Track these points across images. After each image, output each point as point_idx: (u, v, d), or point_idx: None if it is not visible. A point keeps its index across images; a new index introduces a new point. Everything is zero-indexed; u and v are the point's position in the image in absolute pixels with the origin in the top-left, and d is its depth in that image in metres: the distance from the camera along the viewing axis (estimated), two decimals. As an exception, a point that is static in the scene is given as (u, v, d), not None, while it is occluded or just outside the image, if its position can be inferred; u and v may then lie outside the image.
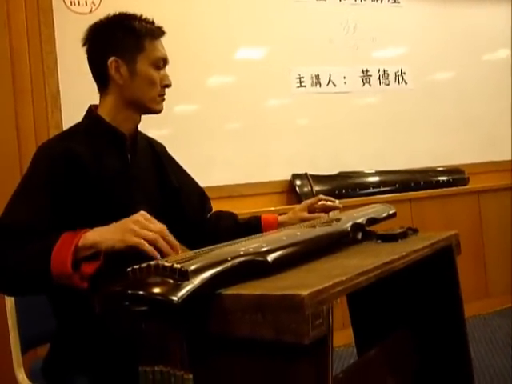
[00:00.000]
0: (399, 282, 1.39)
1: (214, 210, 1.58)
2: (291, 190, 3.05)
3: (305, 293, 0.72)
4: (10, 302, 1.43)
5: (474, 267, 3.20)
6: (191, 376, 0.76)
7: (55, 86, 2.52)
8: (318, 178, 3.05)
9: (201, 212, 1.52)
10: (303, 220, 1.44)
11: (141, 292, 0.73)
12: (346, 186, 3.10)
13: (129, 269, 0.81)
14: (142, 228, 1.01)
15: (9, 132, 2.34)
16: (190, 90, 2.82)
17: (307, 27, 3.18)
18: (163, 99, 1.33)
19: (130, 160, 1.31)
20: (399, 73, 3.43)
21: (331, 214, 1.56)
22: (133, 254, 0.98)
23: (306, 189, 2.98)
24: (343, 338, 2.35)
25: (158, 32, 1.32)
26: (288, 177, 3.07)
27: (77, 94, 2.47)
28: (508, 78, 3.81)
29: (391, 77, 3.41)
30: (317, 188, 2.96)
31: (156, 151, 1.45)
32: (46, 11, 2.54)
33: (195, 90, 2.88)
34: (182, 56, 2.66)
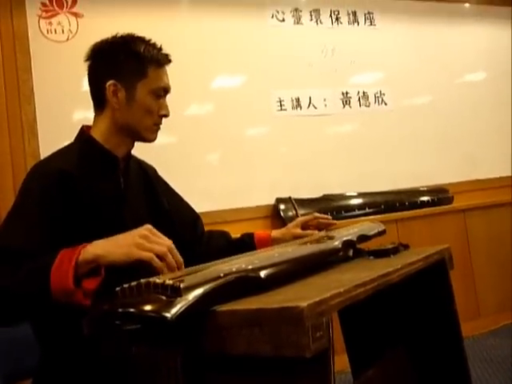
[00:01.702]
0: (393, 298, 1.39)
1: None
2: (275, 215, 3.04)
3: (304, 304, 0.71)
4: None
5: (464, 287, 3.20)
6: (187, 398, 0.73)
7: (32, 114, 2.50)
8: (303, 202, 3.06)
9: (193, 233, 1.50)
10: (296, 237, 1.43)
11: (132, 310, 0.70)
12: (330, 208, 3.10)
13: (117, 288, 0.78)
14: (149, 242, 0.99)
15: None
16: (170, 120, 2.81)
17: (286, 51, 3.23)
18: (158, 128, 1.32)
19: (123, 183, 1.29)
20: (378, 94, 3.49)
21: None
22: (136, 268, 0.95)
23: (290, 213, 2.98)
24: (336, 363, 2.33)
25: (164, 60, 1.30)
26: (272, 201, 3.07)
27: (54, 121, 2.46)
28: (485, 98, 3.90)
29: (371, 98, 3.46)
30: (302, 212, 2.95)
31: (147, 174, 1.44)
32: (22, 39, 2.54)
33: (175, 119, 2.87)
34: None
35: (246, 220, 2.93)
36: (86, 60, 1.29)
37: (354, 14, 3.48)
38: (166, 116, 1.31)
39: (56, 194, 1.14)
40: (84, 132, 1.30)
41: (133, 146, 1.34)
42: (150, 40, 1.30)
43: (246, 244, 1.45)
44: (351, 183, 3.31)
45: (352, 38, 3.46)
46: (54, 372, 1.17)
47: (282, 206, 3.02)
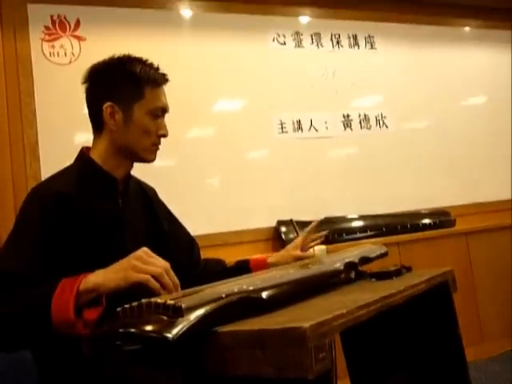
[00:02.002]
0: (396, 321, 1.38)
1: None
2: (277, 237, 3.03)
3: (307, 325, 0.70)
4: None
5: (467, 311, 3.18)
6: (188, 420, 0.73)
7: (34, 137, 2.51)
8: (304, 224, 3.04)
9: (189, 257, 1.50)
10: (297, 258, 1.43)
11: (133, 330, 0.70)
12: (332, 231, 3.10)
13: (118, 309, 0.78)
14: (145, 264, 0.99)
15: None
16: (172, 142, 2.83)
17: (287, 74, 3.26)
18: (157, 149, 1.32)
19: (122, 204, 1.29)
20: (380, 117, 3.51)
21: (316, 248, 1.56)
22: (137, 293, 0.95)
23: (291, 235, 2.97)
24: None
25: (161, 80, 1.30)
26: (273, 224, 3.06)
27: (56, 144, 2.47)
28: (486, 122, 3.92)
29: (372, 121, 3.48)
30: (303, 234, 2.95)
31: (147, 195, 1.44)
32: (25, 62, 2.57)
33: (176, 141, 2.89)
34: None
35: (247, 242, 2.92)
36: (84, 82, 1.30)
37: (355, 37, 3.52)
38: (165, 136, 1.31)
39: (55, 216, 1.14)
40: (83, 154, 1.31)
41: (132, 166, 1.34)
42: (146, 60, 1.30)
43: (242, 269, 1.44)
44: (352, 206, 3.31)
45: (353, 61, 3.50)
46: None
47: (283, 229, 3.02)
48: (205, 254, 1.61)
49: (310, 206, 3.18)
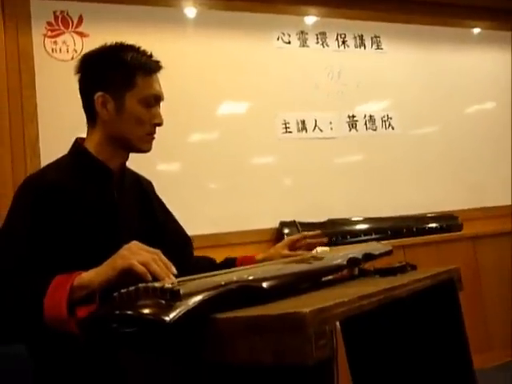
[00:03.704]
0: (401, 322, 1.37)
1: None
2: (279, 238, 3.02)
3: (306, 310, 0.70)
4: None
5: (474, 318, 3.15)
6: (184, 407, 0.72)
7: (34, 132, 2.52)
8: (307, 226, 3.04)
9: (182, 254, 1.49)
10: (284, 257, 1.40)
11: (129, 312, 0.70)
12: (335, 233, 3.09)
13: (115, 293, 0.78)
14: (132, 254, 0.98)
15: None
16: (176, 141, 2.84)
17: (291, 73, 3.26)
18: (152, 138, 1.30)
19: (116, 196, 1.29)
20: (386, 118, 3.51)
21: (318, 249, 1.54)
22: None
23: (294, 237, 2.96)
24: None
25: (153, 67, 1.28)
26: (276, 224, 3.06)
27: (56, 140, 2.47)
28: (495, 124, 3.91)
29: (378, 122, 3.48)
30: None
31: (143, 188, 1.43)
32: (27, 58, 2.58)
33: (181, 141, 2.90)
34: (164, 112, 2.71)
35: (250, 243, 2.91)
36: (76, 73, 1.30)
37: (361, 37, 3.52)
38: (160, 125, 1.30)
39: (48, 207, 1.14)
40: (78, 144, 1.30)
41: (127, 157, 1.33)
42: (139, 48, 1.29)
43: (230, 266, 1.43)
44: (357, 208, 3.30)
45: (358, 61, 3.49)
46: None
47: (286, 230, 3.01)
48: (207, 254, 1.60)
49: (314, 207, 3.17)
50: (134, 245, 1.01)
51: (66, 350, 1.04)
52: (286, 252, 1.46)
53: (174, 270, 0.98)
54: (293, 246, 1.49)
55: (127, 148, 1.30)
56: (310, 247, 1.51)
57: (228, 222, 2.95)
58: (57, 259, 1.06)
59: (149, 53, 1.29)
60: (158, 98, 1.30)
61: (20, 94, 2.53)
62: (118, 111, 1.25)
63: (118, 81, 1.25)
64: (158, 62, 1.30)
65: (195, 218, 2.78)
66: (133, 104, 1.25)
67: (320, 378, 0.72)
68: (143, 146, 1.29)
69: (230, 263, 1.47)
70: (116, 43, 1.29)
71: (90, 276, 0.99)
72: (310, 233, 1.55)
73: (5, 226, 1.14)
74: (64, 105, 2.50)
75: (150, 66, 1.27)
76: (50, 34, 2.69)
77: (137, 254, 0.98)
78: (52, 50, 2.67)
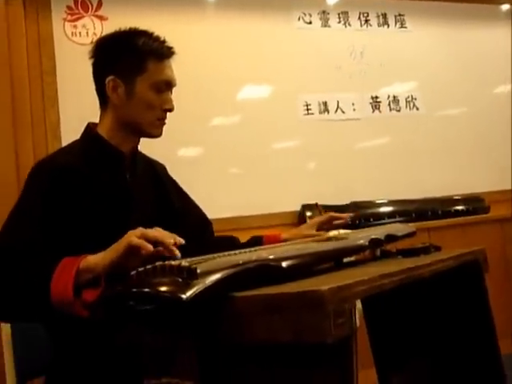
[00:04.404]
0: (425, 303, 1.35)
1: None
2: (301, 221, 3.01)
3: (325, 287, 0.69)
4: (5, 334, 1.40)
5: (501, 302, 3.10)
6: (201, 386, 0.72)
7: (55, 117, 2.54)
8: (329, 209, 3.02)
9: (201, 236, 1.49)
10: (306, 237, 1.39)
11: (146, 290, 0.70)
12: (358, 216, 3.06)
13: (132, 272, 0.78)
14: (133, 232, 0.98)
15: (8, 163, 2.35)
16: (196, 126, 2.84)
17: (313, 54, 3.22)
18: (163, 123, 1.31)
19: (129, 179, 1.29)
20: (410, 99, 3.45)
21: (341, 231, 1.53)
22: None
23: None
24: (363, 379, 2.28)
25: (165, 52, 1.28)
26: (298, 207, 3.04)
27: (77, 124, 2.48)
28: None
29: (402, 103, 3.42)
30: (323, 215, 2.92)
31: (157, 172, 1.44)
32: (47, 42, 2.60)
33: (201, 125, 2.90)
34: (186, 97, 2.71)
35: (271, 226, 2.91)
36: (90, 57, 1.31)
37: (384, 16, 3.45)
38: (170, 110, 1.30)
39: (60, 190, 1.14)
40: (90, 128, 1.31)
41: (138, 141, 1.34)
42: (152, 33, 1.29)
43: (254, 245, 1.43)
44: (380, 190, 3.26)
45: (382, 40, 3.43)
46: (65, 367, 1.17)
47: (308, 213, 3.00)
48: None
49: (336, 189, 3.14)
50: (138, 229, 1.01)
51: (82, 330, 1.05)
52: (312, 233, 1.46)
53: (180, 239, 0.98)
54: (319, 228, 1.49)
55: (137, 133, 1.30)
56: (334, 229, 1.50)
57: (249, 205, 2.94)
58: (68, 242, 1.07)
59: (162, 38, 1.30)
60: (169, 84, 1.30)
61: (41, 79, 2.55)
62: (129, 96, 1.25)
63: (129, 65, 1.25)
64: (170, 48, 1.30)
65: (217, 202, 2.79)
66: (143, 89, 1.25)
67: (339, 357, 0.71)
68: (153, 131, 1.30)
69: (256, 242, 1.46)
70: (130, 28, 1.30)
71: (95, 259, 0.99)
72: (337, 214, 1.55)
73: (17, 207, 1.15)
74: (84, 89, 2.50)
75: (161, 52, 1.27)
76: (69, 18, 2.70)
77: (136, 231, 0.98)
78: (72, 33, 2.69)
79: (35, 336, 1.36)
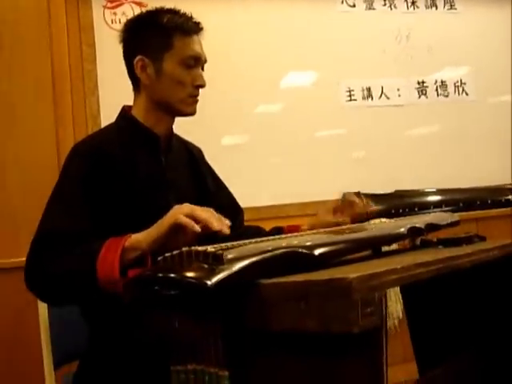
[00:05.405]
0: (468, 296, 1.31)
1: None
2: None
3: (353, 275, 0.67)
4: (43, 318, 1.44)
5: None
6: (227, 373, 0.72)
7: (96, 105, 2.59)
8: (372, 197, 2.97)
9: (232, 223, 1.49)
10: (327, 226, 1.34)
11: (172, 275, 0.70)
12: (403, 205, 2.98)
13: (160, 257, 0.79)
14: (180, 208, 0.98)
15: (50, 152, 2.41)
16: (240, 115, 2.84)
17: (357, 38, 3.16)
18: (195, 101, 1.30)
19: (164, 161, 1.30)
20: (459, 83, 3.34)
21: (376, 221, 1.50)
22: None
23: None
24: (404, 372, 2.24)
25: (192, 27, 1.28)
26: (339, 196, 3.00)
27: (116, 111, 2.53)
28: None
29: (450, 88, 3.32)
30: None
31: (193, 154, 1.45)
32: (88, 30, 2.64)
33: (245, 113, 2.89)
34: (229, 85, 2.73)
35: (311, 215, 2.88)
36: (120, 41, 1.32)
37: (432, -4, 3.36)
38: (202, 86, 1.29)
39: (97, 173, 1.16)
40: (125, 111, 1.32)
41: (173, 122, 1.34)
42: (178, 10, 1.28)
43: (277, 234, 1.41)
44: (427, 180, 3.18)
45: (429, 23, 3.33)
46: (100, 353, 1.19)
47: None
48: (267, 226, 1.59)
49: (380, 178, 3.08)
50: (185, 205, 1.01)
51: (117, 315, 1.07)
52: (330, 219, 1.42)
53: (228, 221, 0.98)
54: (335, 212, 1.45)
55: (170, 112, 1.30)
56: (355, 217, 1.47)
57: (290, 193, 2.93)
58: (108, 225, 1.08)
59: (189, 15, 1.29)
60: (197, 59, 1.29)
61: (81, 68, 2.60)
62: (158, 74, 1.25)
63: (155, 43, 1.25)
64: (197, 24, 1.30)
65: (255, 189, 2.80)
66: (172, 66, 1.25)
67: (367, 347, 0.69)
68: (186, 109, 1.29)
69: (277, 232, 1.45)
70: (156, 8, 1.30)
71: (140, 237, 1.01)
72: (351, 198, 1.52)
73: (56, 192, 1.18)
74: (124, 76, 2.55)
75: (187, 27, 1.27)
76: (109, 5, 2.73)
77: (183, 208, 0.98)
78: (112, 21, 2.72)
79: (71, 322, 1.39)
